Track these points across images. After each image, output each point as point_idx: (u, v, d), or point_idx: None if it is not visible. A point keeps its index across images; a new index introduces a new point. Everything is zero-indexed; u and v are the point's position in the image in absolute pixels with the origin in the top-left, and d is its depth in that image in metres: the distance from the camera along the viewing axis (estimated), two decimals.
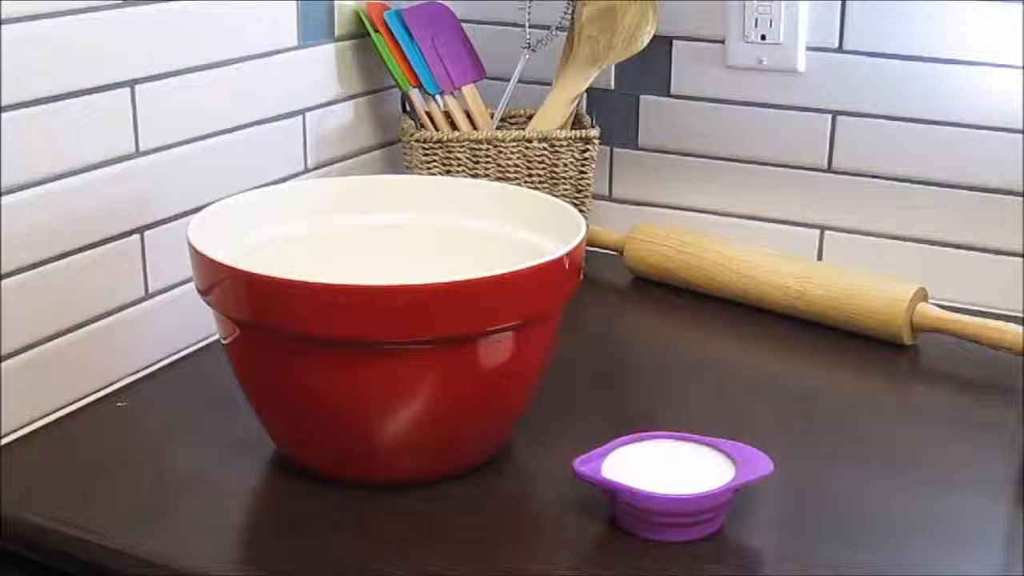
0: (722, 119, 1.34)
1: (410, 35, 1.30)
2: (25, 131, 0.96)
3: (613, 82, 1.38)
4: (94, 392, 1.06)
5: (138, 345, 1.10)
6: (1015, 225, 1.23)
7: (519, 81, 1.33)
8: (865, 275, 1.19)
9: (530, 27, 1.33)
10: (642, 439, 0.90)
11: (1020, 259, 1.23)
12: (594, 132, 1.28)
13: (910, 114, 1.25)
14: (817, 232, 1.33)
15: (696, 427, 0.91)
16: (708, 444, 0.89)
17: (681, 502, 0.83)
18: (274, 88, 1.21)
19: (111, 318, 1.07)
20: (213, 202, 0.98)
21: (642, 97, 1.38)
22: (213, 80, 1.13)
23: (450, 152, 1.27)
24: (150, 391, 1.07)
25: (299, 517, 0.88)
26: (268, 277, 0.83)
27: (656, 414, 1.04)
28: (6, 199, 0.95)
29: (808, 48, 1.28)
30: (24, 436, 0.99)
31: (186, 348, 1.14)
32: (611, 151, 1.40)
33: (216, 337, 0.94)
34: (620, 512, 0.86)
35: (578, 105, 1.32)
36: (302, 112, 1.25)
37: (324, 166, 1.30)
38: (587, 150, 1.28)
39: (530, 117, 1.34)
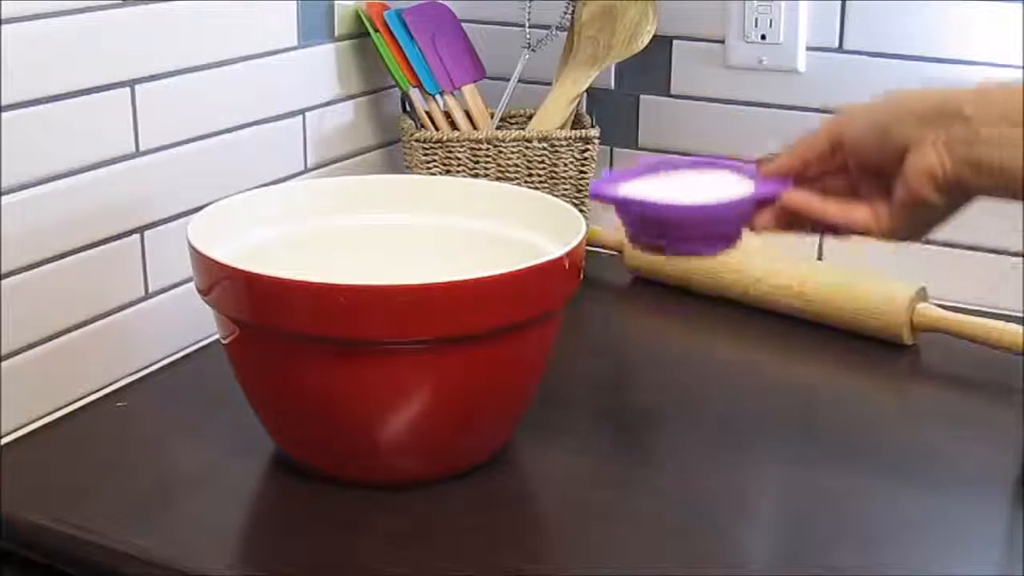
0: (722, 119, 1.34)
1: (410, 35, 1.30)
2: (25, 131, 0.96)
3: (613, 82, 1.38)
4: (94, 392, 1.06)
5: (138, 345, 1.10)
6: (1015, 225, 1.23)
7: (519, 81, 1.33)
8: (865, 275, 1.19)
9: (530, 27, 1.33)
10: (659, 169, 0.89)
11: (1020, 259, 1.23)
12: (594, 132, 1.28)
13: None
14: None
15: (695, 427, 0.91)
16: (727, 167, 0.89)
17: (696, 210, 0.83)
18: (274, 88, 1.21)
19: (111, 318, 1.07)
20: (213, 202, 0.98)
21: (642, 97, 1.38)
22: (213, 80, 1.13)
23: (450, 152, 1.27)
24: (150, 391, 1.07)
25: (299, 517, 0.88)
26: (268, 277, 0.83)
27: (656, 414, 1.04)
28: (6, 199, 0.95)
29: (808, 48, 1.28)
30: (24, 436, 0.99)
31: (186, 348, 1.14)
32: (611, 151, 1.40)
33: (216, 337, 0.94)
34: (637, 229, 0.86)
35: (578, 105, 1.32)
36: (302, 112, 1.25)
37: (324, 166, 1.30)
38: (587, 150, 1.28)
39: (530, 117, 1.34)
